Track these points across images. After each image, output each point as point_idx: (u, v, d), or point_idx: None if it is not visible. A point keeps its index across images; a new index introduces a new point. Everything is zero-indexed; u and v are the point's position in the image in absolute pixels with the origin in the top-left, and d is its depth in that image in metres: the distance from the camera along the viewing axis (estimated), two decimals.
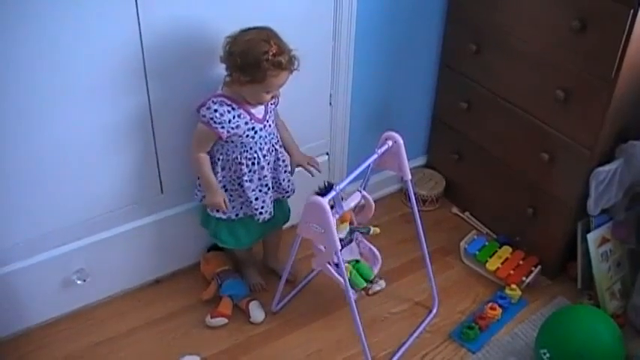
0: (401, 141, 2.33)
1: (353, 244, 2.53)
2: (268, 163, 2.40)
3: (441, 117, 3.16)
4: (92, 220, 2.44)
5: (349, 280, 2.39)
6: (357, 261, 2.52)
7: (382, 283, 2.48)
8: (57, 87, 2.11)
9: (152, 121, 2.36)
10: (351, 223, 2.47)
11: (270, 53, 2.13)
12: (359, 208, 2.50)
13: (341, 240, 2.40)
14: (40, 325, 2.51)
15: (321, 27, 2.58)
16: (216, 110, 2.23)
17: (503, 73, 2.72)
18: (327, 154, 2.92)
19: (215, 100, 2.25)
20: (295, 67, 2.23)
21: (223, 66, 2.23)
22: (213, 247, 2.77)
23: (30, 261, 2.36)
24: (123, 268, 2.61)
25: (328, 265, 2.36)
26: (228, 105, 2.25)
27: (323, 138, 2.86)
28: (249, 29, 2.19)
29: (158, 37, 2.21)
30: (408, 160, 2.39)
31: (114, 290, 2.64)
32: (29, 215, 2.29)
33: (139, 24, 2.15)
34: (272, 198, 2.47)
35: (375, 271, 2.54)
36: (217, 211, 2.43)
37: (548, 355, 2.32)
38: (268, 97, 2.26)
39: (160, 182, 2.52)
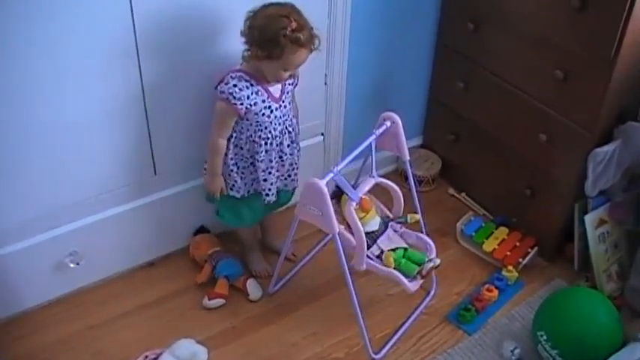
0: (399, 121, 2.31)
1: (390, 232, 2.40)
2: (280, 144, 2.37)
3: (438, 96, 3.13)
4: (85, 202, 2.41)
5: (399, 269, 2.31)
6: (406, 249, 2.40)
7: (436, 260, 2.33)
8: (47, 68, 2.07)
9: (145, 102, 2.33)
10: (385, 216, 2.43)
11: (289, 29, 2.09)
12: (393, 202, 2.43)
13: (373, 232, 2.34)
14: (33, 308, 2.49)
15: (316, 4, 2.52)
16: (235, 85, 2.20)
17: (502, 52, 2.69)
18: (322, 134, 2.89)
19: (233, 75, 2.21)
20: (315, 46, 2.19)
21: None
22: (200, 230, 2.75)
23: (22, 244, 2.34)
24: (116, 251, 2.58)
25: (371, 261, 2.30)
26: (247, 81, 2.22)
27: (318, 118, 2.82)
28: (271, 4, 2.16)
29: (150, 17, 2.18)
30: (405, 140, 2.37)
31: (108, 273, 2.62)
32: (21, 198, 2.26)
33: (131, 2, 2.11)
34: (277, 181, 2.44)
35: (432, 255, 2.38)
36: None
37: (545, 337, 2.31)
38: (286, 75, 2.23)
39: (154, 163, 2.49)
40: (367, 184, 2.33)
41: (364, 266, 2.29)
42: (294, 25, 2.10)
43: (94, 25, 2.08)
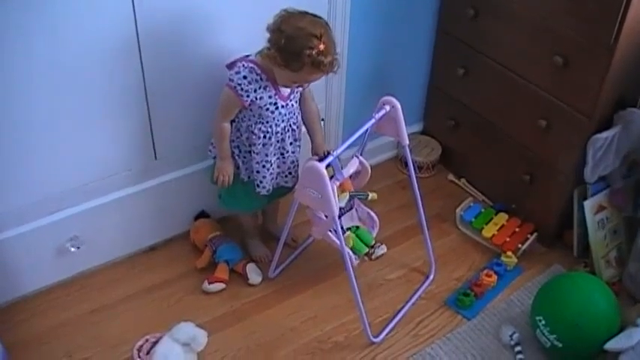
0: (399, 106, 2.31)
1: (353, 211, 2.52)
2: (282, 140, 2.38)
3: (438, 83, 3.13)
4: (86, 186, 2.41)
5: (352, 247, 2.40)
6: (358, 227, 2.51)
7: (384, 247, 2.51)
8: (48, 55, 2.07)
9: (145, 88, 2.33)
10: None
11: (315, 51, 2.07)
12: (355, 174, 2.48)
13: (342, 209, 2.40)
14: (33, 293, 2.50)
15: None
16: (245, 77, 2.20)
17: (501, 38, 2.68)
18: (323, 119, 2.89)
19: (245, 64, 2.21)
20: (334, 70, 2.18)
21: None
22: (200, 215, 2.76)
23: (23, 228, 2.34)
24: (117, 235, 2.59)
25: (330, 234, 2.35)
26: (257, 74, 2.21)
27: (318, 103, 2.80)
28: (307, 14, 2.14)
29: (152, 4, 2.17)
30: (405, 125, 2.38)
31: (108, 258, 2.63)
32: (22, 182, 2.27)
33: None
34: (273, 176, 2.44)
35: (374, 233, 2.54)
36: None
37: (543, 322, 2.32)
38: (294, 86, 2.25)
39: (154, 148, 2.50)
40: (353, 166, 2.38)
41: (321, 237, 2.36)
42: (321, 47, 2.08)
43: (95, 13, 2.08)
